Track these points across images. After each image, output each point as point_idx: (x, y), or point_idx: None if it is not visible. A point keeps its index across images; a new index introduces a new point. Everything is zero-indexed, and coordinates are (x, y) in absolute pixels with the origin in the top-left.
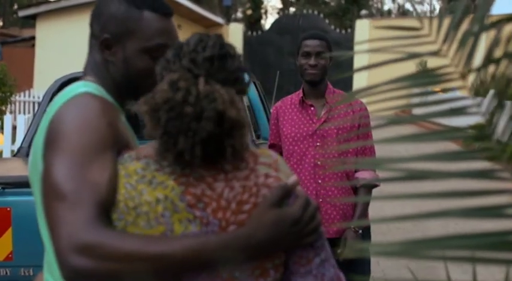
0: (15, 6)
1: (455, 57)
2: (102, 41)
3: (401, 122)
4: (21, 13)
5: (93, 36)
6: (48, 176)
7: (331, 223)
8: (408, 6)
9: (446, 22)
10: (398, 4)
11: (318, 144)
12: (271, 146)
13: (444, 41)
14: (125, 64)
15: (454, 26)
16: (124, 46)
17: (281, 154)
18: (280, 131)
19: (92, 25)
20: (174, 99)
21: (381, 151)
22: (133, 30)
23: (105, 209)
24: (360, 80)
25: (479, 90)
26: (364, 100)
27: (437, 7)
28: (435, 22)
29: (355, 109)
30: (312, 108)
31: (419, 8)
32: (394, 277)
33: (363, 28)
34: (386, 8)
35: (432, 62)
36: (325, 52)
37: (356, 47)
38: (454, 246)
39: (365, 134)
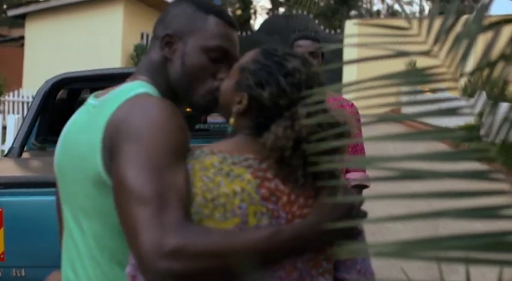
0: (5, 6)
1: (447, 58)
2: (164, 37)
3: (391, 120)
4: (11, 12)
5: (154, 37)
6: (125, 180)
7: None
8: (397, 7)
9: (437, 23)
10: (388, 5)
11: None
12: None
13: (435, 41)
14: (182, 60)
15: (446, 28)
16: (185, 43)
17: None
18: None
19: (155, 28)
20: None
21: (369, 149)
22: (197, 28)
23: (187, 210)
24: (349, 76)
25: (469, 91)
26: (352, 96)
27: (427, 8)
28: (425, 23)
29: (340, 106)
30: None
31: (408, 8)
32: (385, 277)
33: (352, 28)
34: (375, 8)
35: (422, 63)
36: (317, 52)
37: (345, 43)
38: (449, 247)
39: (355, 144)
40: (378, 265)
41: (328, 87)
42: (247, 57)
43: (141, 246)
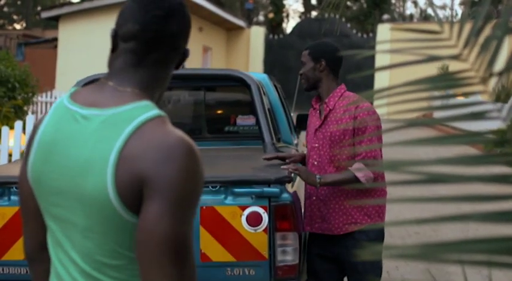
0: (39, 8)
1: (477, 61)
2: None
3: (418, 124)
4: (44, 14)
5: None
6: (160, 231)
7: (328, 220)
8: (430, 11)
9: (468, 27)
10: (421, 9)
11: (316, 145)
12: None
13: (465, 45)
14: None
15: (476, 31)
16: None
17: None
18: None
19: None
20: None
21: (399, 154)
22: None
23: None
24: (381, 82)
25: (500, 95)
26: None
27: (460, 12)
28: (456, 27)
29: (359, 114)
30: (318, 110)
31: (441, 13)
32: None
33: (384, 32)
34: (408, 12)
35: (453, 67)
36: (304, 61)
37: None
38: (472, 250)
39: (361, 140)
40: (407, 270)
41: (362, 93)
42: None
43: None
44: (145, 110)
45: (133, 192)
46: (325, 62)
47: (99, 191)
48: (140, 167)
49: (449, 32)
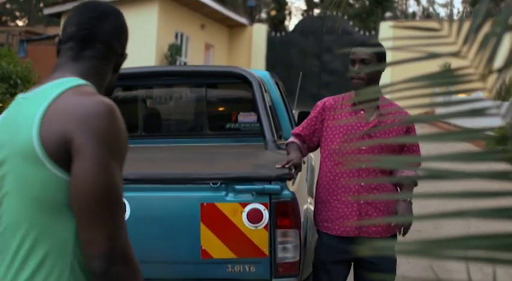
0: (41, 4)
1: (476, 58)
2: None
3: (419, 121)
4: (47, 11)
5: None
6: (91, 181)
7: (372, 223)
8: (433, 8)
9: (467, 24)
10: (423, 7)
11: (363, 148)
12: (297, 136)
13: (464, 42)
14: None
15: (475, 29)
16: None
17: (307, 144)
18: (318, 127)
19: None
20: None
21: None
22: None
23: None
24: (382, 81)
25: (500, 92)
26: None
27: (461, 10)
28: (455, 24)
29: (411, 127)
30: (362, 112)
31: (443, 11)
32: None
33: (387, 30)
34: (410, 10)
35: (455, 64)
36: (368, 59)
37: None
38: (473, 246)
39: (411, 148)
40: (407, 268)
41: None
42: None
43: (97, 243)
44: (72, 80)
45: (60, 149)
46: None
47: (27, 143)
48: (64, 126)
49: (449, 30)
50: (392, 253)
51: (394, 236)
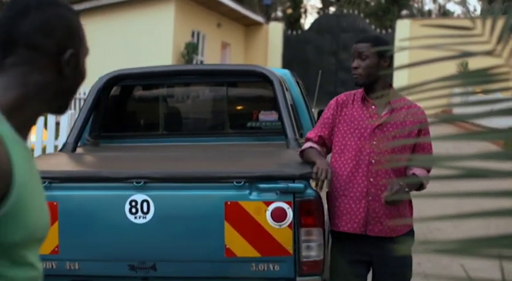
0: None
1: (510, 57)
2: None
3: (450, 120)
4: None
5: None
6: None
7: (378, 221)
8: (449, 6)
9: (500, 22)
10: (439, 4)
11: (374, 142)
12: (314, 138)
13: (498, 41)
14: None
15: (510, 27)
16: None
17: (327, 146)
18: (334, 124)
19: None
20: None
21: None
22: None
23: None
24: (399, 80)
25: None
26: (413, 97)
27: (478, 8)
28: (484, 23)
29: (415, 117)
30: (373, 106)
31: (459, 8)
32: (435, 278)
33: (403, 28)
34: (426, 8)
35: (473, 63)
36: (365, 53)
37: (397, 45)
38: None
39: (423, 144)
40: (428, 266)
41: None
42: None
43: None
44: None
45: None
46: (389, 59)
47: None
48: None
49: (482, 28)
50: (418, 253)
51: (401, 236)
